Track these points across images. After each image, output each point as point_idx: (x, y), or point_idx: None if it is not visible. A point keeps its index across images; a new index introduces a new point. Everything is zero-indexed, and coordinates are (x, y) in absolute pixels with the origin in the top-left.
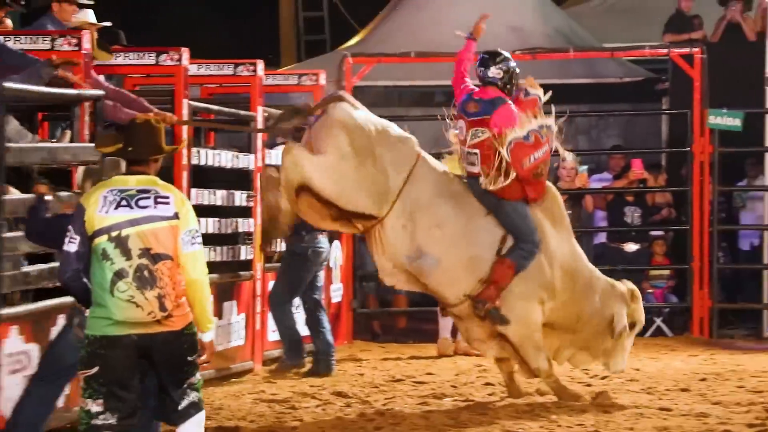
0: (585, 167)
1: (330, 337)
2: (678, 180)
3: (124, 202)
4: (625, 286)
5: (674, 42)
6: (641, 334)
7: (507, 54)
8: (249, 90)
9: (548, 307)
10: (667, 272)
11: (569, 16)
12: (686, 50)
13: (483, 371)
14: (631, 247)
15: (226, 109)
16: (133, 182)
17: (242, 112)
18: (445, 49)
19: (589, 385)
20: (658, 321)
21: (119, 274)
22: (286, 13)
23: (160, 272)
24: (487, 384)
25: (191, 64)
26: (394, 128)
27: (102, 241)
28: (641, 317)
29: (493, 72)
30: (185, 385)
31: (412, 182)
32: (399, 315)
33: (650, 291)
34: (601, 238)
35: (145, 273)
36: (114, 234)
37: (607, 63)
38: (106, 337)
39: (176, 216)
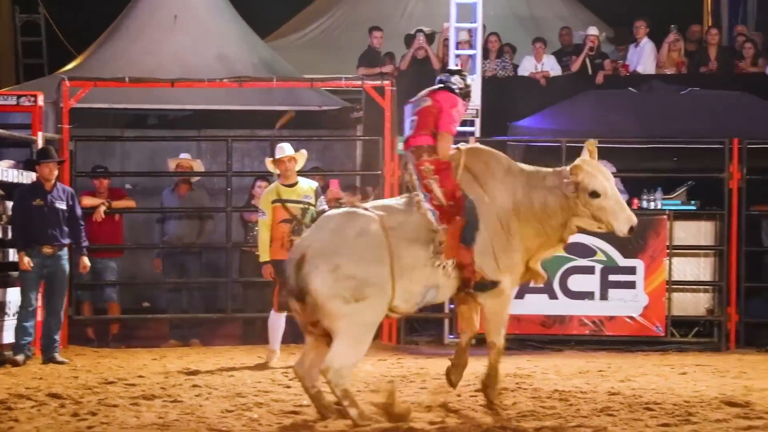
0: None
1: None
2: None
3: None
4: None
5: (367, 75)
6: None
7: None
8: None
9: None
10: None
11: (272, 48)
12: (378, 82)
13: (191, 374)
14: None
15: None
16: None
17: None
18: (157, 75)
19: (288, 387)
20: None
21: None
22: (5, 38)
23: None
24: (195, 386)
25: None
26: None
27: None
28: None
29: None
30: None
31: None
32: (112, 322)
33: None
34: None
35: None
36: None
37: (307, 92)
38: None
39: None
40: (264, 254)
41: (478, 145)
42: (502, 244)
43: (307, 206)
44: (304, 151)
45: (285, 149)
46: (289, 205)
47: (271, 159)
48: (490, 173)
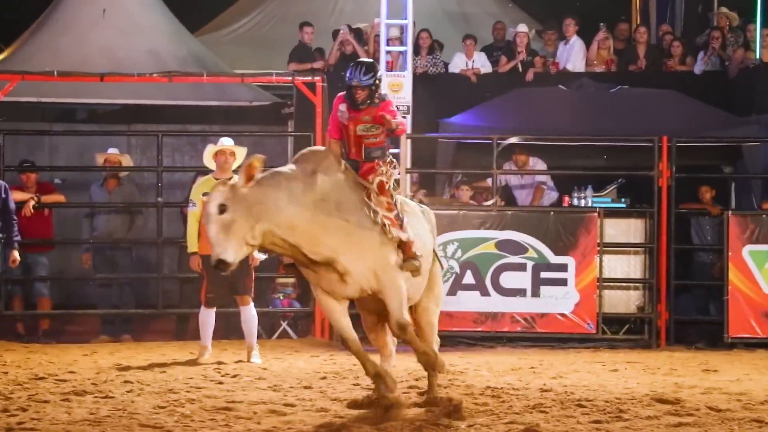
0: None
1: None
2: None
3: None
4: None
5: (298, 71)
6: (269, 336)
7: (359, 65)
8: None
9: None
10: (292, 280)
11: (202, 43)
12: (309, 78)
13: (123, 369)
14: (260, 256)
15: None
16: None
17: None
18: (86, 69)
19: (221, 383)
20: (284, 324)
21: None
22: None
23: None
24: (126, 382)
25: None
26: None
27: None
28: None
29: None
30: None
31: None
32: (43, 317)
33: (278, 297)
34: None
35: None
36: None
37: (238, 88)
38: None
39: None
40: (192, 245)
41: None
42: None
43: None
44: (244, 148)
45: (226, 141)
46: None
47: (213, 149)
48: None
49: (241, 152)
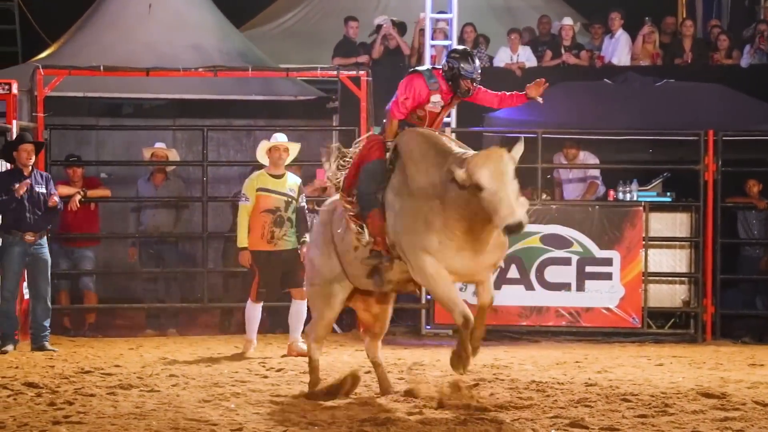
0: None
1: None
2: None
3: None
4: None
5: (343, 65)
6: None
7: (471, 56)
8: None
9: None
10: None
11: (247, 37)
12: (353, 72)
13: (168, 363)
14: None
15: None
16: None
17: None
18: (132, 64)
19: (265, 377)
20: None
21: None
22: None
23: None
24: (172, 375)
25: None
26: None
27: None
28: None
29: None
30: None
31: None
32: (89, 311)
33: None
34: None
35: None
36: None
37: (283, 82)
38: None
39: None
40: (242, 240)
41: (416, 129)
42: (408, 223)
43: (290, 200)
44: (298, 145)
45: (280, 137)
46: (273, 196)
47: (267, 145)
48: (418, 155)
49: (294, 148)
